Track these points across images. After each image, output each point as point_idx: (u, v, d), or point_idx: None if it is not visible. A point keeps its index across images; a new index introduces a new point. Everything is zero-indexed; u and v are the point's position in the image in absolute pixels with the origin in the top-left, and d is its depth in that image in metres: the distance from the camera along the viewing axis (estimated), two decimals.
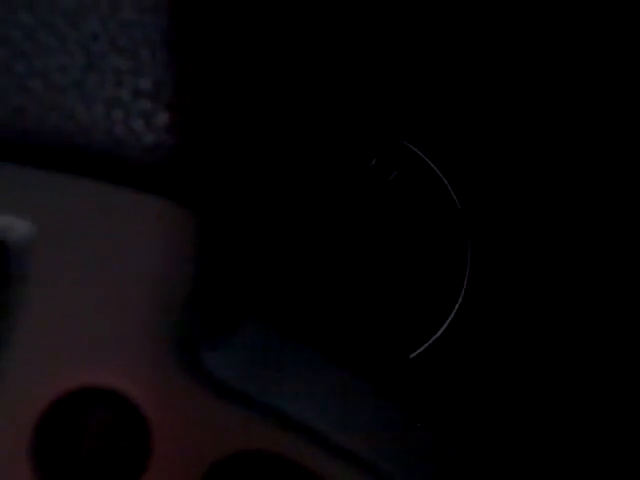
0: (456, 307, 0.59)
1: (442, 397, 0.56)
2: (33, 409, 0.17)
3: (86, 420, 0.17)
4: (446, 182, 0.60)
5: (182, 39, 0.20)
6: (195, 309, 0.18)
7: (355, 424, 0.20)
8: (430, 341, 0.59)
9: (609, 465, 0.53)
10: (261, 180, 0.60)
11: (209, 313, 0.19)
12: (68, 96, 0.19)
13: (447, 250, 0.61)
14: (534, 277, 0.58)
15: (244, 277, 0.21)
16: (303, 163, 0.61)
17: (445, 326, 0.59)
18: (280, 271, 0.62)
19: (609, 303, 0.55)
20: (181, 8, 0.20)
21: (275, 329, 0.22)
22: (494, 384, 0.57)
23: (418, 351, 0.59)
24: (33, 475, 0.17)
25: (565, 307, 0.57)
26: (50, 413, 0.17)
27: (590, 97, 0.52)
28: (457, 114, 0.58)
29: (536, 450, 0.54)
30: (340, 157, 0.63)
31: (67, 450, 0.17)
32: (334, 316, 0.60)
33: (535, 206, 0.58)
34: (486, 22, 0.51)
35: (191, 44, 0.20)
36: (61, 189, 0.18)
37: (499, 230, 0.60)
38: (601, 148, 0.53)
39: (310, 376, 0.21)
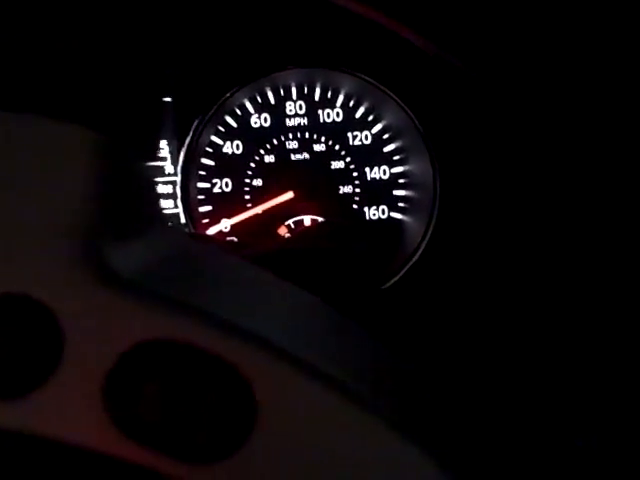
0: (427, 239, 0.60)
1: (412, 327, 0.57)
2: None
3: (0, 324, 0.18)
4: (406, 108, 0.60)
5: None
6: (102, 214, 0.19)
7: (271, 314, 0.21)
8: (401, 273, 0.60)
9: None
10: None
11: (116, 217, 0.20)
12: None
13: (415, 180, 0.62)
14: (503, 209, 0.59)
15: (151, 183, 0.22)
16: None
17: (416, 258, 0.60)
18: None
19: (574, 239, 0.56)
20: None
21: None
22: (464, 315, 0.58)
23: (390, 283, 0.60)
24: None
25: (532, 240, 0.57)
26: None
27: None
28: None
29: (505, 379, 0.55)
30: None
31: None
32: (307, 246, 0.61)
33: (500, 130, 0.58)
34: None
35: None
36: None
37: (467, 158, 0.60)
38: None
39: (227, 275, 0.22)
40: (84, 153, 0.19)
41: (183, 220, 0.64)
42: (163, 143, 0.64)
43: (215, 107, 0.62)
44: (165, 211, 0.64)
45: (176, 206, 0.64)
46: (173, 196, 0.64)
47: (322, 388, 0.19)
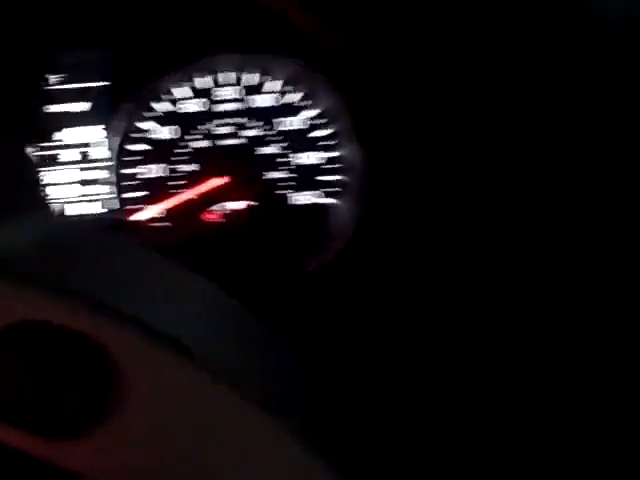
0: (357, 223, 0.60)
1: (338, 310, 0.57)
2: None
3: None
4: (338, 94, 0.60)
5: None
6: None
7: (148, 294, 0.21)
8: (332, 256, 0.60)
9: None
10: None
11: None
12: None
13: (346, 165, 0.62)
14: (433, 195, 0.59)
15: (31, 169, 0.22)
16: None
17: (345, 242, 0.60)
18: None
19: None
20: None
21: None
22: (392, 298, 0.58)
23: (320, 266, 0.60)
24: None
25: (460, 223, 0.57)
26: None
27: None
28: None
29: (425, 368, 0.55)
30: None
31: None
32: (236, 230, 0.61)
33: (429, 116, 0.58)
34: None
35: None
36: None
37: (397, 144, 0.60)
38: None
39: (107, 256, 0.22)
40: None
41: (118, 205, 0.64)
42: (98, 128, 0.64)
43: (147, 92, 0.62)
44: (100, 196, 0.64)
45: (111, 191, 0.64)
46: (108, 181, 0.64)
47: (188, 366, 0.19)
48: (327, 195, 0.63)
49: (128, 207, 0.63)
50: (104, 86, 0.63)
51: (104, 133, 0.64)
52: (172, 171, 0.63)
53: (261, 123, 0.63)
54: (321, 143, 0.63)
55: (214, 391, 0.19)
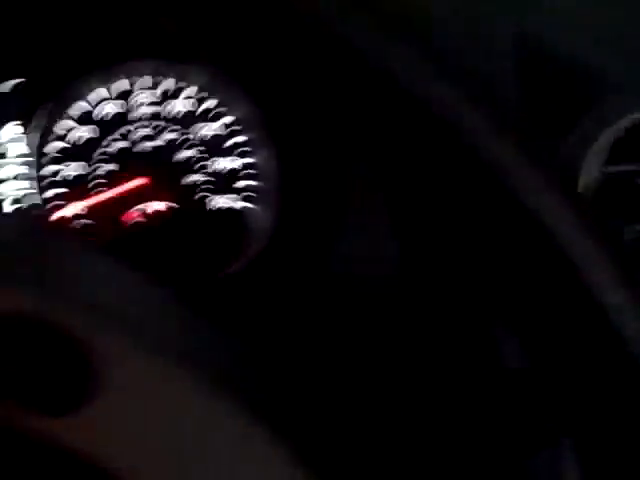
0: (271, 229, 0.64)
1: (261, 309, 0.61)
2: None
3: None
4: (255, 103, 0.64)
5: None
6: None
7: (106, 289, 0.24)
8: (251, 257, 0.64)
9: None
10: None
11: None
12: None
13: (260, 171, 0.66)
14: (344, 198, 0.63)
15: None
16: None
17: (263, 244, 0.64)
18: None
19: None
20: None
21: None
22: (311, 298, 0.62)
23: (239, 267, 0.64)
24: None
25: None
26: None
27: None
28: None
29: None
30: None
31: None
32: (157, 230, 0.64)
33: None
34: None
35: None
36: None
37: (310, 153, 0.64)
38: None
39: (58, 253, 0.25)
40: None
41: (39, 201, 0.66)
42: (18, 124, 0.65)
43: (68, 91, 0.64)
44: (22, 191, 0.66)
45: (31, 187, 0.66)
46: (29, 177, 0.66)
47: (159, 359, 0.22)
48: (244, 200, 0.67)
49: (49, 204, 0.65)
50: (21, 83, 0.64)
51: (21, 129, 0.65)
52: (92, 170, 0.65)
53: (179, 127, 0.66)
54: (236, 149, 0.67)
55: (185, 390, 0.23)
